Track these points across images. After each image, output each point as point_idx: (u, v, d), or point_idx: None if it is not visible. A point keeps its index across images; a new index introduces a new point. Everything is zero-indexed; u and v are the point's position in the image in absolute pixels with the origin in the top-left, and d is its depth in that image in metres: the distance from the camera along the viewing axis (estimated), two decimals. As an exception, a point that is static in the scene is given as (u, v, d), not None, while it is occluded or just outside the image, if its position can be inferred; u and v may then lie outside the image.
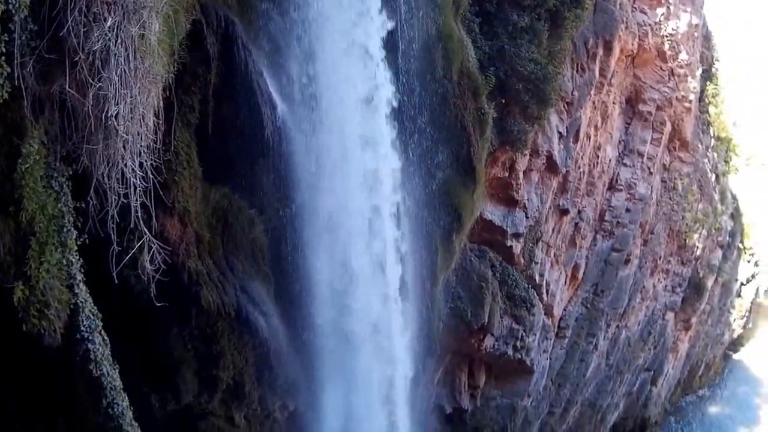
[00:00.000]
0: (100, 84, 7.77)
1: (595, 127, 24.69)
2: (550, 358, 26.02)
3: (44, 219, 8.32)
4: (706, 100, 36.54)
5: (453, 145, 18.14)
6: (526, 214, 21.42)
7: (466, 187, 18.83)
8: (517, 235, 21.36)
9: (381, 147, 15.08)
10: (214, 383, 13.95)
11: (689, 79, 29.97)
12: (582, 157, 23.90)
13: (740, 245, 43.58)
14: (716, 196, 36.78)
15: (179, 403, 13.68)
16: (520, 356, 23.46)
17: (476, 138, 18.51)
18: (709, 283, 36.68)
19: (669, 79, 28.79)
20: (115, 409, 10.44)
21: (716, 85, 37.73)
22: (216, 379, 13.85)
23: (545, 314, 24.28)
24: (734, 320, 46.83)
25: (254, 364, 14.39)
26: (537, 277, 22.86)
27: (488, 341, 22.28)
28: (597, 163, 25.03)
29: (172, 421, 14.05)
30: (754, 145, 46.44)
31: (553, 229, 23.39)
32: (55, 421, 11.76)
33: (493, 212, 20.77)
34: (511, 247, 21.33)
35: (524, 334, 22.90)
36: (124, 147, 8.39)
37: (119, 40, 7.75)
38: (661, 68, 28.47)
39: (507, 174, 20.72)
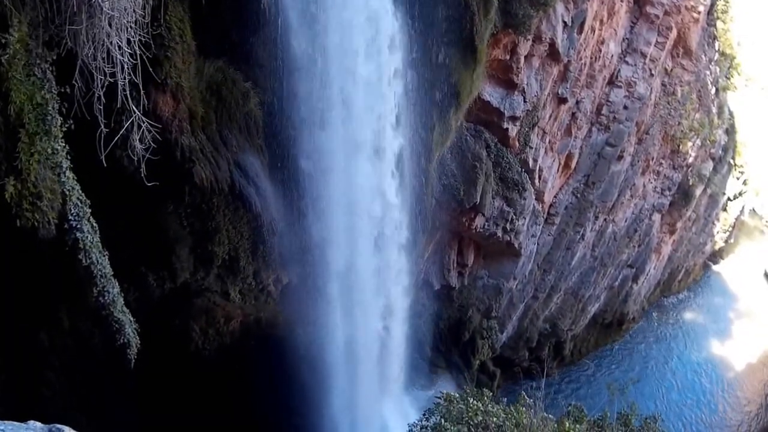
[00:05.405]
0: (83, -40, 7.01)
1: (601, 21, 23.08)
2: (538, 243, 25.48)
3: (32, 109, 7.74)
4: (715, 15, 34.37)
5: (456, 22, 16.97)
6: (524, 98, 20.32)
7: (466, 65, 17.85)
8: (513, 118, 20.34)
9: (381, 19, 14.02)
10: (210, 259, 13.55)
11: (699, -11, 27.95)
12: (584, 49, 22.47)
13: (731, 161, 42.02)
14: (714, 109, 35.13)
15: (175, 282, 13.35)
16: (508, 238, 22.90)
17: (480, 17, 17.40)
18: (698, 191, 35.56)
19: (679, -14, 26.78)
20: (106, 297, 10.04)
21: (726, 1, 35.42)
22: (211, 254, 13.43)
23: (536, 199, 23.54)
24: (717, 233, 45.98)
25: (249, 238, 13.90)
26: (531, 162, 21.96)
27: (479, 221, 21.66)
28: (599, 57, 23.57)
29: (170, 301, 13.80)
30: (755, 68, 44.16)
31: (550, 116, 22.25)
32: (58, 311, 11.71)
33: (492, 93, 19.71)
34: (507, 129, 20.37)
35: (514, 216, 22.24)
36: (109, 24, 7.68)
37: None
38: (672, -26, 26.44)
39: (508, 57, 19.55)
